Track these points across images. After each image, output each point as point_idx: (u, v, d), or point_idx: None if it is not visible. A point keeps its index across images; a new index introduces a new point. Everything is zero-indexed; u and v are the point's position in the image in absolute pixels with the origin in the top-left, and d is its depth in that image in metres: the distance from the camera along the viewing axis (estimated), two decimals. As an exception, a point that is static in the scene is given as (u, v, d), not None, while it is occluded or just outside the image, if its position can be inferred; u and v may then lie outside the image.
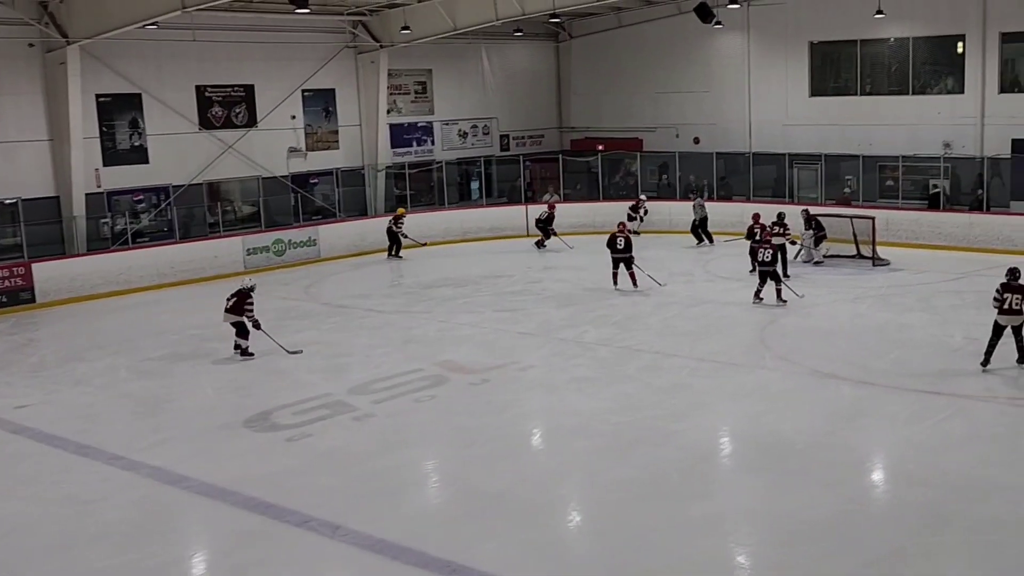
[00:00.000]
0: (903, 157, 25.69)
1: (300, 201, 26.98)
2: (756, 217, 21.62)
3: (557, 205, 26.85)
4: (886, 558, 8.88)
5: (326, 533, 9.76)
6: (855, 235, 22.21)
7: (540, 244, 26.05)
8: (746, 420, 12.71)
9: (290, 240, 25.19)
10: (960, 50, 25.54)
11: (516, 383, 14.57)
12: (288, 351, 16.15)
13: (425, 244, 25.91)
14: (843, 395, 13.39)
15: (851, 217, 22.50)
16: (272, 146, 26.60)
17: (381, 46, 27.53)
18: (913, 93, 26.53)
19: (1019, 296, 13.19)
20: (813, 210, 22.87)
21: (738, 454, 11.93)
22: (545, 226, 26.07)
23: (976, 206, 24.25)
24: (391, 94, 28.85)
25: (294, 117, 27.10)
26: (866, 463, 11.37)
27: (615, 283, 20.21)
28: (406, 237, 25.73)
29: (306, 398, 14.01)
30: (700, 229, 25.67)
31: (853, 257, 22.10)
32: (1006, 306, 13.25)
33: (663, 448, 11.68)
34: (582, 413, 13.00)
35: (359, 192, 28.34)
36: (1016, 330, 13.39)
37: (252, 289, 16.28)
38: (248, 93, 26.11)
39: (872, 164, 26.33)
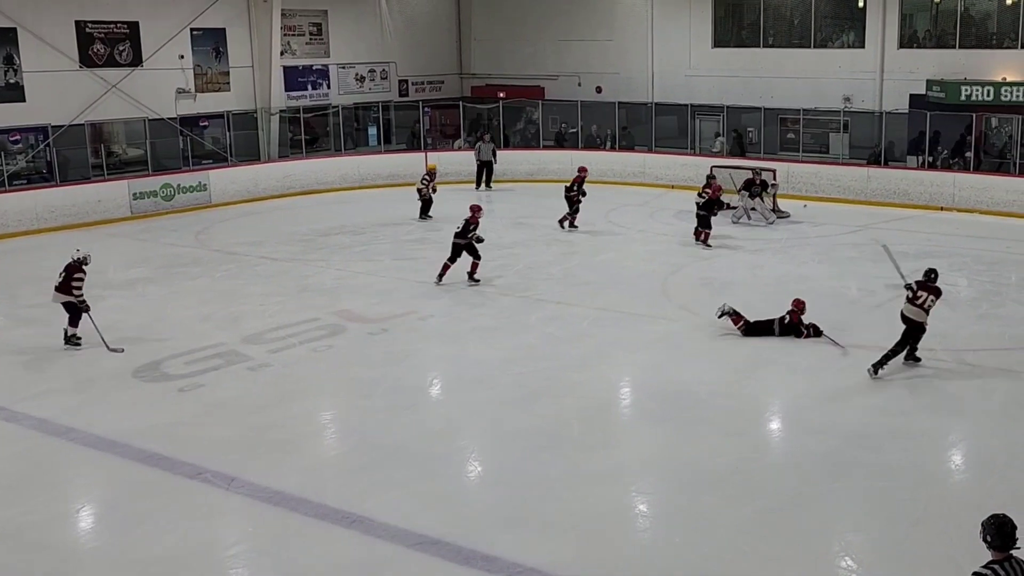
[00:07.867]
0: (804, 110, 26.05)
1: (190, 145, 26.03)
2: (582, 170, 20.98)
3: None
4: (785, 504, 9.08)
5: (221, 484, 9.53)
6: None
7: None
8: (647, 370, 12.78)
9: (179, 185, 24.26)
10: (861, 4, 25.84)
11: (416, 333, 14.37)
12: (109, 348, 13.47)
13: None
14: (743, 345, 13.48)
15: (752, 169, 22.74)
16: (159, 87, 25.50)
17: (274, -15, 26.60)
18: (815, 46, 26.84)
19: (933, 296, 12.06)
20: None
21: (639, 404, 12.00)
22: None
23: (874, 160, 24.75)
24: (285, 35, 27.91)
25: (182, 57, 26.03)
26: (765, 413, 11.56)
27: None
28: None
29: (198, 347, 13.58)
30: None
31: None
32: (919, 302, 12.00)
33: (565, 398, 11.68)
34: (483, 363, 12.90)
35: (252, 136, 27.47)
36: (913, 331, 12.15)
37: (83, 262, 13.63)
38: (132, 30, 24.94)
39: (773, 116, 26.65)
